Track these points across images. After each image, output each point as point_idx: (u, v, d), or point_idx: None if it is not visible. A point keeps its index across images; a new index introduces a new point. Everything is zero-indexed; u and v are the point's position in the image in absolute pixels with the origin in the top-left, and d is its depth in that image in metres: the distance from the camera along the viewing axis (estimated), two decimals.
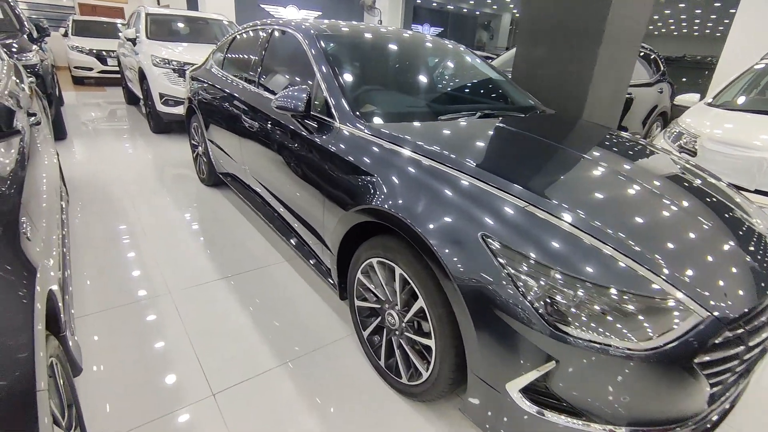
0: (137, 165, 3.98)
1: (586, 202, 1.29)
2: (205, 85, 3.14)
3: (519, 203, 1.21)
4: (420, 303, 1.34)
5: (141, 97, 5.54)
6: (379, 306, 1.59)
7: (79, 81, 8.56)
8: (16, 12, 4.88)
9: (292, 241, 2.18)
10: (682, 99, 3.87)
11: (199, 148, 3.50)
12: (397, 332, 1.52)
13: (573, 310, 1.03)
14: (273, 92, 2.31)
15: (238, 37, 2.99)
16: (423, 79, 2.34)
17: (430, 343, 1.34)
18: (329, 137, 1.74)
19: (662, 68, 5.87)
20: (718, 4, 12.24)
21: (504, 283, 1.09)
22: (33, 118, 1.71)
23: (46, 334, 1.06)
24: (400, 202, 1.34)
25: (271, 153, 2.18)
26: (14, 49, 4.15)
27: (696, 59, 8.82)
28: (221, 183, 3.39)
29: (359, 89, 1.97)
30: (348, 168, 1.60)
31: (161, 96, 4.79)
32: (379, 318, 1.61)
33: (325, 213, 1.75)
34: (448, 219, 1.22)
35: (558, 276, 1.06)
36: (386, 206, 1.36)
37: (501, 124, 1.92)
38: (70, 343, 1.26)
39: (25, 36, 4.58)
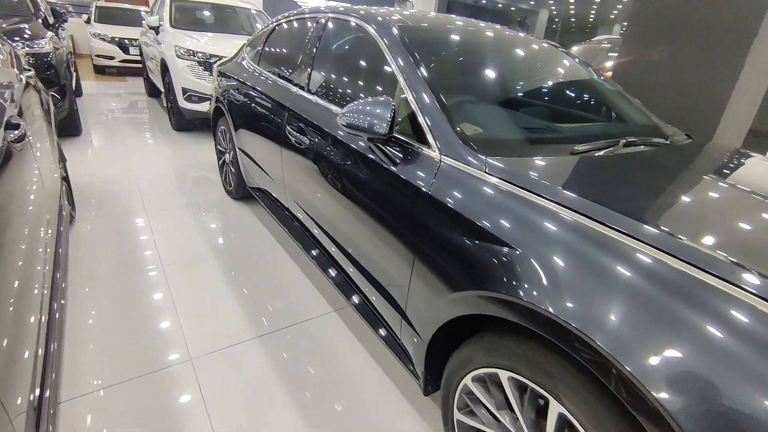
0: (156, 169, 3.52)
1: None
2: (237, 83, 2.65)
3: None
4: None
5: (162, 90, 5.11)
6: None
7: (100, 70, 8.21)
8: None
9: (351, 297, 1.66)
10: None
11: (227, 155, 3.01)
12: None
13: None
14: (328, 98, 1.79)
15: (280, 27, 2.48)
16: (538, 91, 1.78)
17: None
18: (424, 173, 1.21)
19: None
20: None
21: None
22: (14, 132, 1.24)
23: None
24: (581, 306, 0.80)
25: (324, 178, 1.66)
26: (26, 36, 3.74)
27: None
28: (251, 196, 2.91)
29: (463, 105, 1.43)
30: (461, 226, 1.07)
31: (184, 91, 4.33)
32: None
33: (413, 281, 1.23)
34: (694, 356, 0.68)
35: None
36: (551, 309, 0.83)
37: (672, 163, 1.33)
38: None
39: (40, 21, 4.17)
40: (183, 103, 4.38)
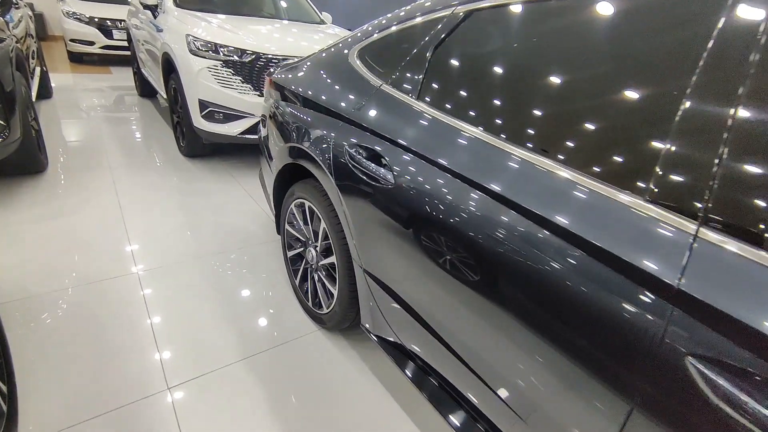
0: (169, 253, 2.10)
1: None
2: (350, 129, 1.25)
3: None
4: None
5: (163, 96, 3.64)
6: None
7: (77, 58, 6.58)
8: None
9: None
10: None
11: (311, 251, 1.62)
12: None
13: None
14: None
15: (492, 14, 1.05)
16: None
17: None
18: None
19: None
20: None
21: None
22: None
23: None
24: None
25: None
26: None
27: None
28: (358, 326, 1.56)
29: None
30: None
31: (202, 105, 2.89)
32: None
33: None
34: None
35: None
36: None
37: None
38: None
39: None
40: (200, 122, 2.94)
